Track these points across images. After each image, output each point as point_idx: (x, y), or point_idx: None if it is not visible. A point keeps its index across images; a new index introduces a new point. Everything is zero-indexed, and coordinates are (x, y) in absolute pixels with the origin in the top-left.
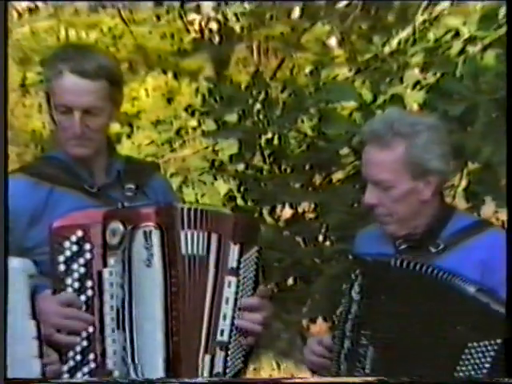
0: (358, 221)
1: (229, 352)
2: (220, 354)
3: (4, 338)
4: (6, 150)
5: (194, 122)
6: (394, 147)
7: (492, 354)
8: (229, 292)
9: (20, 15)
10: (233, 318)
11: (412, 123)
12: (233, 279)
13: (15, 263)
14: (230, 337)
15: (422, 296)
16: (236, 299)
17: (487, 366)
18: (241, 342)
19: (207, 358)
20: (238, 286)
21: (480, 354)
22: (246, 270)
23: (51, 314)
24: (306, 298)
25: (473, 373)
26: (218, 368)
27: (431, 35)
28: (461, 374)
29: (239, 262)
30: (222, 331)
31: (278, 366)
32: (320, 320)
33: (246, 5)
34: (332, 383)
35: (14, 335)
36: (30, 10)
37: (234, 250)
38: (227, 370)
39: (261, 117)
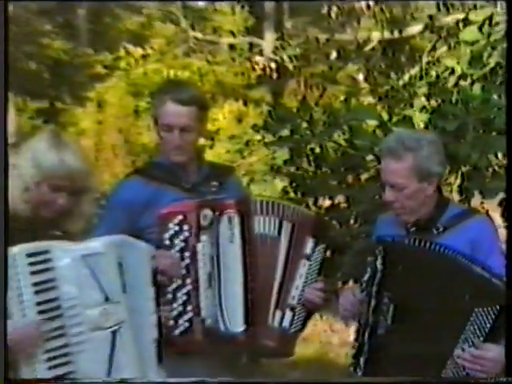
0: (378, 209)
1: (295, 313)
2: (289, 313)
3: (4, 339)
4: (7, 150)
5: (258, 137)
6: (404, 159)
7: (493, 317)
8: (303, 270)
9: (136, 61)
10: (302, 290)
11: (417, 139)
12: (306, 262)
13: (143, 246)
14: (298, 303)
15: (429, 267)
16: (306, 277)
17: (489, 326)
18: (305, 309)
19: (278, 313)
20: (309, 268)
21: (484, 317)
22: (316, 258)
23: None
24: (340, 266)
25: (478, 332)
26: (286, 323)
27: (433, 72)
28: (469, 332)
29: (313, 251)
30: (294, 297)
31: (321, 317)
32: (351, 283)
33: (298, 49)
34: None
35: (139, 297)
36: (144, 57)
37: (311, 241)
38: (292, 327)
39: (307, 132)
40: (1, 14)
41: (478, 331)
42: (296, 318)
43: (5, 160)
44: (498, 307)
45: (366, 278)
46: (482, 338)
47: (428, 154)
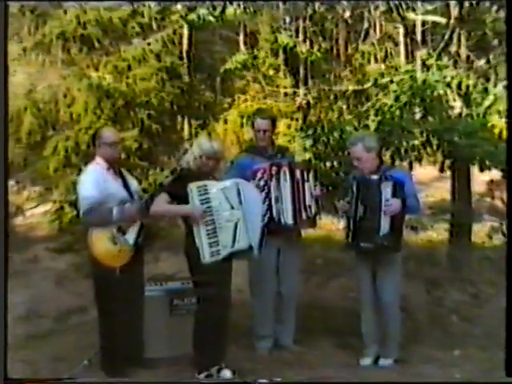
0: (353, 168)
1: (311, 209)
2: (307, 211)
3: (4, 339)
4: (6, 150)
5: (297, 134)
6: (357, 144)
7: (391, 188)
8: (307, 186)
9: (242, 101)
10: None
11: (363, 134)
12: (307, 184)
13: (248, 183)
14: (309, 204)
15: (372, 188)
16: (310, 192)
17: (391, 194)
18: (315, 206)
19: (303, 213)
20: (310, 188)
21: (386, 189)
22: (311, 182)
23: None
24: (335, 195)
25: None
26: (307, 216)
27: (378, 105)
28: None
29: (308, 179)
30: (307, 200)
31: (326, 216)
32: (342, 201)
33: (315, 94)
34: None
35: (248, 207)
36: (245, 100)
37: (307, 174)
38: (309, 217)
39: (320, 132)
40: (1, 13)
41: (386, 197)
42: (311, 213)
43: (5, 160)
44: (390, 187)
45: (349, 197)
46: (389, 198)
47: (369, 140)
